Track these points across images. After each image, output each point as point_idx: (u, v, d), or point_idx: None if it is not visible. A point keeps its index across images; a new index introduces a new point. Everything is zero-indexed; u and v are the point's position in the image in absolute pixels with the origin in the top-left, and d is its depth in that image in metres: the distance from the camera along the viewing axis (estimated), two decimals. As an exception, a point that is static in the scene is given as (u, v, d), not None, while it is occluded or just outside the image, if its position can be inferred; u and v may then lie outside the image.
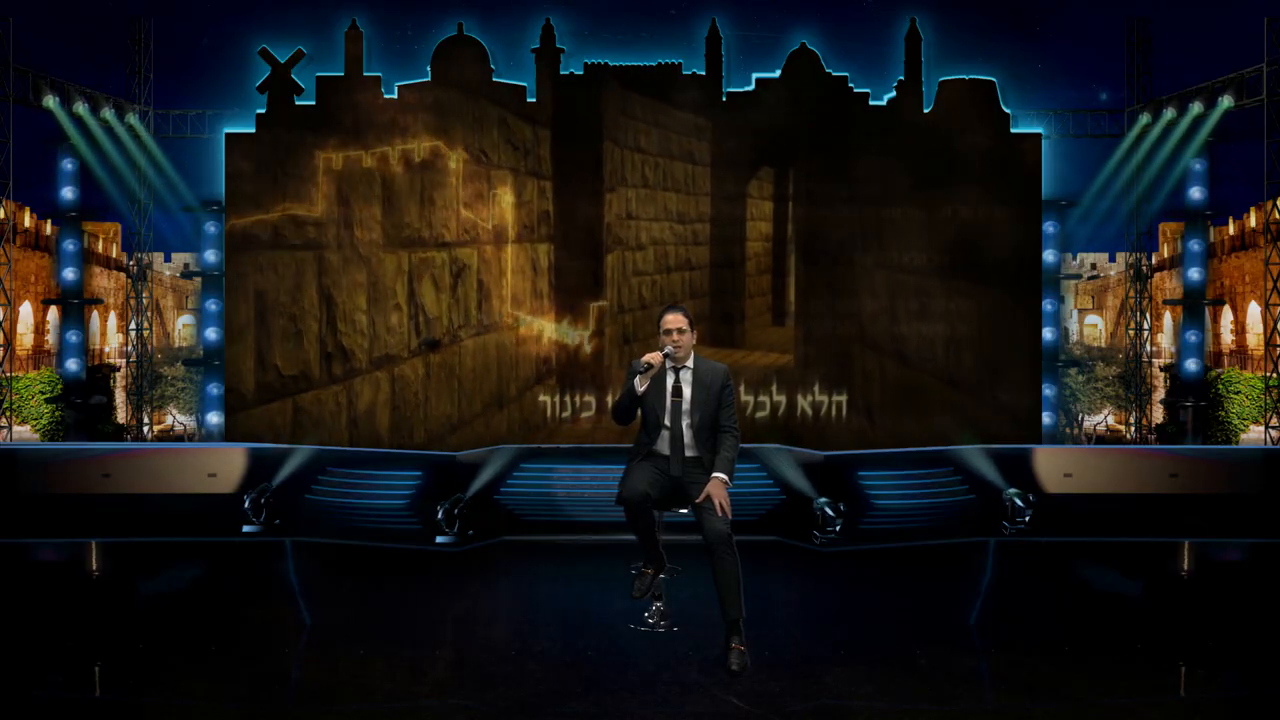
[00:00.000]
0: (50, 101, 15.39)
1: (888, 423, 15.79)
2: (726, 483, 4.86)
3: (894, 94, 15.79)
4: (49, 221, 19.35)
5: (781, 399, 15.59)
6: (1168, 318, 21.49)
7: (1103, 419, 19.12)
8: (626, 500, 4.87)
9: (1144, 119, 16.39)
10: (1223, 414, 16.79)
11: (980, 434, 14.93)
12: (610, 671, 5.14)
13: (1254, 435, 16.49)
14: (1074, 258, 21.57)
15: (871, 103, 15.78)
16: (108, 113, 15.89)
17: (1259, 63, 15.07)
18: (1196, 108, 15.81)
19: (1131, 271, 17.76)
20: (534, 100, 15.78)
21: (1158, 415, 17.74)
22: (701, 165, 16.74)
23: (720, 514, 4.77)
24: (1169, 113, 16.10)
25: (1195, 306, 16.76)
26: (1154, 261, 19.59)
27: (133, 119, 16.24)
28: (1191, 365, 16.53)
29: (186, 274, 19.67)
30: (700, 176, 16.78)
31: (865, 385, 15.89)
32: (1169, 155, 16.30)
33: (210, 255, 16.71)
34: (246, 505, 10.19)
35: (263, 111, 15.65)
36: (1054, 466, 11.85)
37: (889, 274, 15.81)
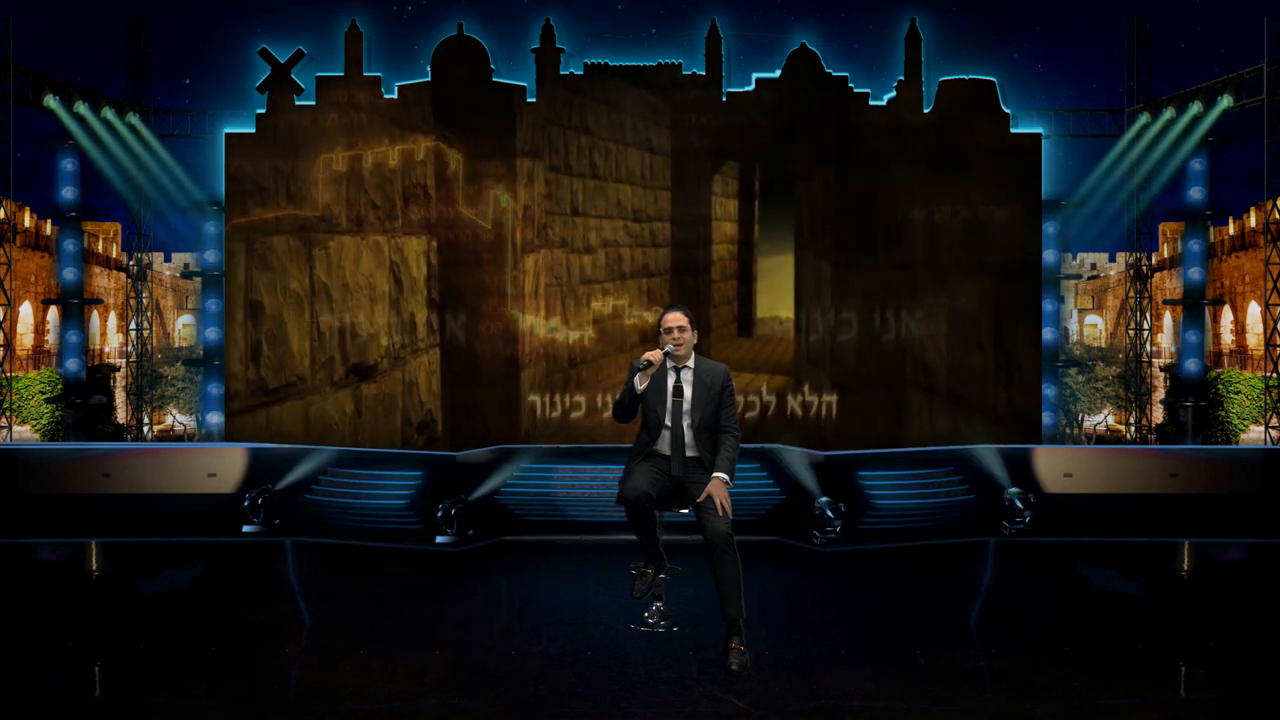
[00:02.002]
0: (51, 101, 15.39)
1: (885, 423, 15.76)
2: (727, 482, 4.87)
3: (894, 94, 15.79)
4: (49, 221, 19.36)
5: (771, 399, 15.49)
6: (1168, 318, 21.49)
7: (1103, 419, 19.13)
8: (627, 500, 4.88)
9: (1143, 118, 16.40)
10: (1223, 414, 16.79)
11: (980, 434, 14.94)
12: (610, 671, 5.14)
13: (1254, 435, 16.49)
14: (1074, 258, 21.59)
15: (872, 102, 15.77)
16: (108, 112, 15.88)
17: (1259, 63, 15.08)
18: (1196, 107, 15.81)
19: (1131, 271, 17.76)
20: (533, 100, 15.71)
21: (1158, 415, 17.74)
22: (661, 155, 14.38)
23: (721, 513, 4.77)
24: (1168, 112, 16.11)
25: (1195, 306, 16.75)
26: (1154, 261, 19.60)
27: (134, 118, 16.23)
28: (1191, 365, 16.52)
29: (186, 274, 19.66)
30: (660, 167, 14.40)
31: (863, 385, 15.83)
32: (1164, 154, 16.29)
33: (210, 255, 16.70)
34: (246, 505, 10.20)
35: (263, 111, 15.66)
36: (1054, 466, 11.88)
37: (887, 274, 15.77)
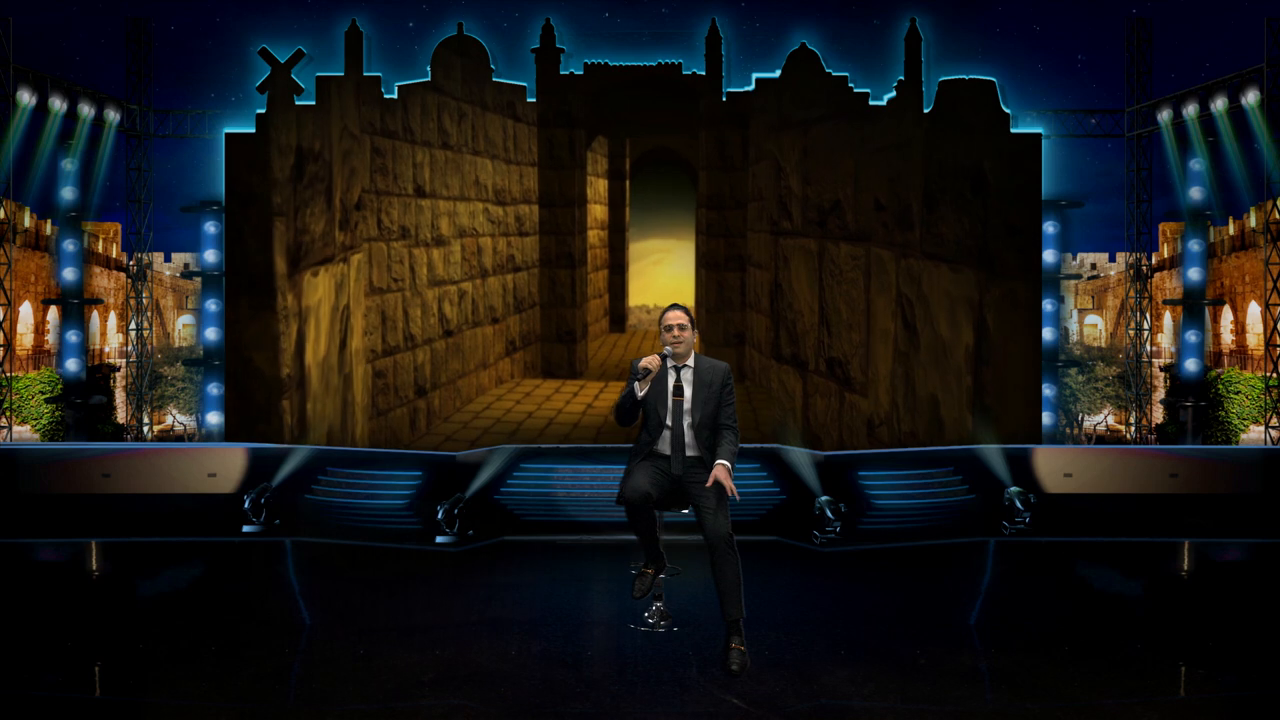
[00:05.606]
0: (22, 99, 15.27)
1: (885, 424, 15.77)
2: (730, 469, 4.85)
3: (894, 94, 15.78)
4: (49, 221, 19.35)
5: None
6: (1168, 318, 21.49)
7: (1103, 419, 19.12)
8: (628, 500, 4.87)
9: (1165, 116, 16.43)
10: (1223, 414, 16.78)
11: (979, 434, 14.93)
12: (610, 671, 5.14)
13: (1254, 435, 16.48)
14: (1074, 258, 21.58)
15: (872, 102, 15.77)
16: (84, 110, 15.78)
17: (1259, 63, 15.08)
18: (1221, 104, 15.77)
19: (1131, 271, 17.76)
20: (533, 100, 15.67)
21: (1158, 415, 17.73)
22: (526, 122, 11.70)
23: (729, 496, 4.77)
24: (1191, 110, 16.11)
25: (1195, 306, 16.75)
26: (1154, 261, 19.59)
27: (110, 118, 16.16)
28: (1191, 365, 16.52)
29: (186, 274, 19.66)
30: (524, 136, 11.80)
31: (864, 385, 15.85)
32: (1184, 155, 16.33)
33: (210, 255, 16.69)
34: (246, 505, 10.20)
35: (263, 111, 15.65)
36: (1054, 466, 11.88)
37: (885, 273, 15.77)
